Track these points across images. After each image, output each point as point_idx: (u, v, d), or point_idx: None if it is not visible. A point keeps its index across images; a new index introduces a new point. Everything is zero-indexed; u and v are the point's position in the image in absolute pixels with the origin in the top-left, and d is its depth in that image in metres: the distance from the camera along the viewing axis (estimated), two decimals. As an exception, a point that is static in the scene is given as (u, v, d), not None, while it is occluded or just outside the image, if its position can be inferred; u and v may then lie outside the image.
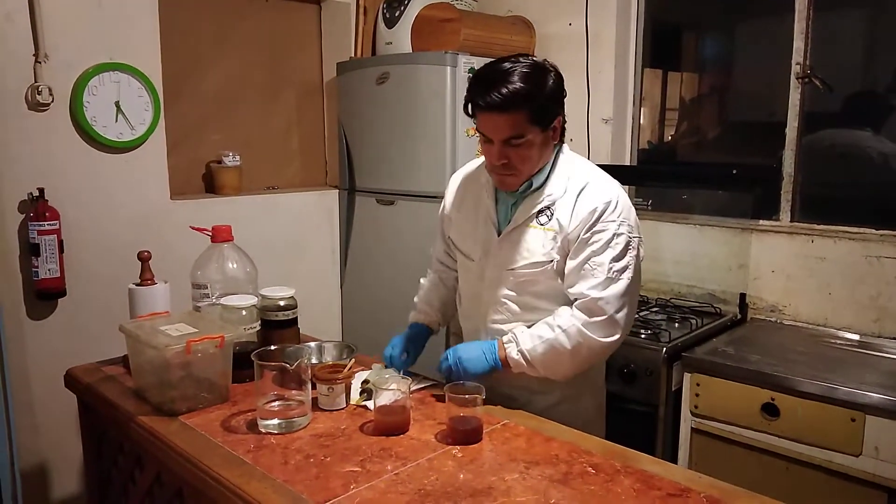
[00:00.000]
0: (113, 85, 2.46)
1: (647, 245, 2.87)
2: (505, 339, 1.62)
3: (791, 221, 2.64)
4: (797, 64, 2.58)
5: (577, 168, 1.67)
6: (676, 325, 2.52)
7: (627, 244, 1.57)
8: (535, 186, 1.63)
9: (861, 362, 2.18)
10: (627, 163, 3.12)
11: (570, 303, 1.60)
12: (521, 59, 1.55)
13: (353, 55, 3.21)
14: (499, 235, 1.66)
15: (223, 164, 2.95)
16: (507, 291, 1.66)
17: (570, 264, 1.58)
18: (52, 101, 2.33)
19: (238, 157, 2.97)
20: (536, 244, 1.61)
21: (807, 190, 2.64)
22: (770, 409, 2.03)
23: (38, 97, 2.29)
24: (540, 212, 1.62)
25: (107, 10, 2.43)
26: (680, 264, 2.84)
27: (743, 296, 2.66)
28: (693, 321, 2.51)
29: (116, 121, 2.48)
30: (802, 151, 2.62)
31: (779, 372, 2.04)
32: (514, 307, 1.66)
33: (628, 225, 1.58)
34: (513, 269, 1.63)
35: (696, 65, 3.18)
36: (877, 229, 2.41)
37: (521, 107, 1.49)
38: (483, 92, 1.50)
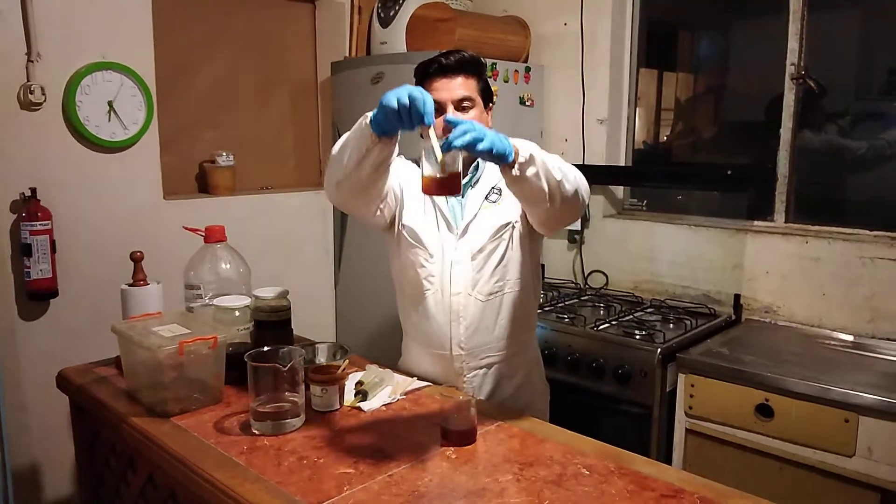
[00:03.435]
0: (106, 84, 2.45)
1: (641, 245, 2.93)
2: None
3: (785, 222, 2.64)
4: (791, 65, 2.59)
5: None
6: (671, 325, 2.52)
7: None
8: (479, 173, 1.78)
9: (855, 363, 2.18)
10: (622, 163, 3.13)
11: (530, 274, 1.79)
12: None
13: (347, 55, 3.20)
14: (458, 229, 1.75)
15: (217, 163, 2.94)
16: (476, 276, 1.74)
17: None
18: (45, 101, 2.32)
19: (232, 157, 2.96)
20: (495, 217, 1.75)
21: (801, 191, 2.65)
22: (764, 410, 2.04)
23: (31, 96, 2.28)
24: (488, 194, 1.77)
25: (100, 8, 2.42)
26: (674, 265, 2.84)
27: (737, 296, 2.66)
28: (687, 322, 2.52)
29: (109, 120, 2.47)
30: (797, 152, 2.63)
31: (773, 373, 2.04)
32: (484, 288, 1.75)
33: None
34: (482, 247, 1.73)
35: (691, 65, 3.18)
36: (870, 230, 2.42)
37: (473, 71, 1.71)
38: (437, 60, 1.69)
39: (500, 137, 1.40)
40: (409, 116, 1.35)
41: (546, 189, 1.48)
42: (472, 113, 1.68)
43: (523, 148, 1.43)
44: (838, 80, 2.63)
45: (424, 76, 1.71)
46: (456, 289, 1.74)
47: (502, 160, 1.40)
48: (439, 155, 1.35)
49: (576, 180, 1.55)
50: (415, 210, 1.79)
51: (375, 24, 3.14)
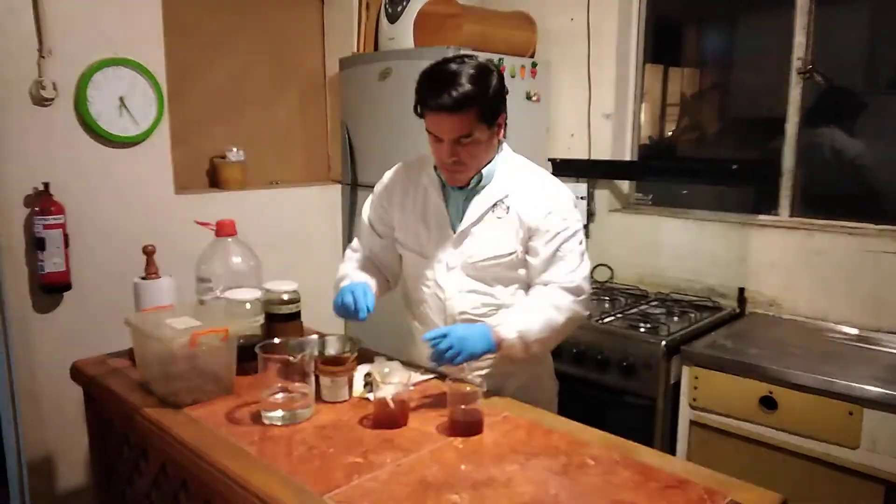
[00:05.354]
0: (117, 80, 2.48)
1: (646, 239, 2.94)
2: (494, 321, 1.64)
3: (790, 216, 2.65)
4: (798, 59, 2.59)
5: (521, 163, 1.78)
6: (675, 318, 2.53)
7: (582, 234, 1.75)
8: (485, 181, 1.71)
9: (859, 356, 2.19)
10: (628, 158, 3.13)
11: (520, 286, 1.75)
12: (466, 61, 1.62)
13: (355, 51, 3.22)
14: (454, 232, 1.73)
15: (227, 159, 2.97)
16: (471, 283, 1.73)
17: (543, 253, 1.69)
18: (57, 96, 2.35)
19: (242, 152, 2.99)
20: (498, 237, 1.70)
21: (806, 185, 2.65)
22: (768, 402, 2.05)
23: (42, 92, 2.30)
24: (494, 205, 1.71)
25: (111, 5, 2.45)
26: (680, 259, 2.85)
27: (742, 290, 2.67)
28: (692, 315, 2.53)
29: (121, 116, 2.50)
30: (802, 147, 2.63)
31: (777, 365, 2.05)
32: (479, 297, 1.73)
33: (579, 216, 1.78)
34: (475, 263, 1.71)
35: (697, 60, 3.18)
36: (875, 224, 2.42)
37: (470, 107, 1.57)
38: (433, 94, 1.57)
39: (478, 340, 1.58)
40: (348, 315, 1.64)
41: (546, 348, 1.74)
42: (471, 147, 1.62)
43: (511, 340, 1.61)
44: (845, 74, 2.63)
45: (421, 103, 1.62)
46: (451, 292, 1.74)
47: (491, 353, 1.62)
48: (385, 392, 1.49)
49: (567, 327, 1.69)
50: (412, 215, 1.78)
51: (383, 20, 3.15)
